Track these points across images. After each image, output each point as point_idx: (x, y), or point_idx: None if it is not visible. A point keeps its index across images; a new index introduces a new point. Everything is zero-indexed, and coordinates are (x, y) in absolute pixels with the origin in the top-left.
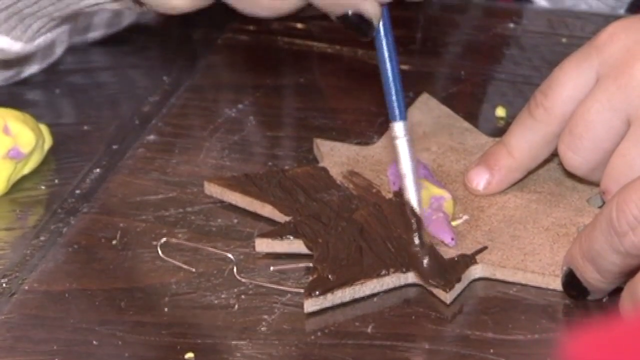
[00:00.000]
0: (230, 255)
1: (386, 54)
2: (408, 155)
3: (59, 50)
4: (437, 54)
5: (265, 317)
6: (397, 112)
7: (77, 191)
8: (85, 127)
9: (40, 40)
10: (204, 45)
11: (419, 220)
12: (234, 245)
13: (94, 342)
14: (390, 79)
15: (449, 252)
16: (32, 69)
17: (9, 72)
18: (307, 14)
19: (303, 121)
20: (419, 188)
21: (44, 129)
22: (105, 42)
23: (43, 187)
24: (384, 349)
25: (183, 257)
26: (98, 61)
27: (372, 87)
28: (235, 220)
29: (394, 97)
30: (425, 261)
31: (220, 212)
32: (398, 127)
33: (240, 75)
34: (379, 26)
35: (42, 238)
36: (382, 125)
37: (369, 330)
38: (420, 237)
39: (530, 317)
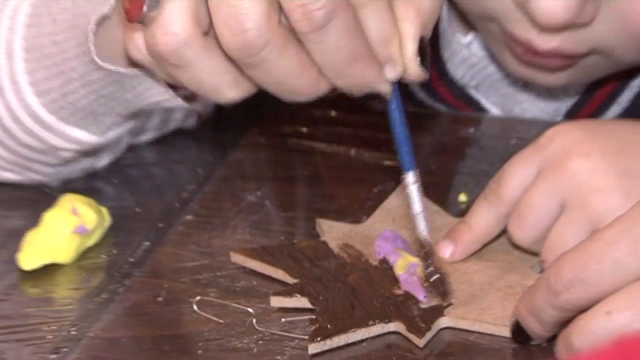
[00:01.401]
0: (250, 310)
1: (397, 118)
2: (418, 198)
3: (123, 145)
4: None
5: (278, 357)
6: (407, 163)
7: (131, 259)
8: (137, 209)
9: (111, 134)
10: (231, 145)
11: (430, 249)
12: (254, 301)
13: None
14: (402, 136)
15: (422, 307)
16: (104, 161)
17: (87, 160)
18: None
19: (309, 205)
20: (428, 223)
21: (104, 210)
22: (155, 143)
23: (104, 256)
24: None
25: (213, 311)
26: (149, 157)
27: (361, 179)
28: (255, 282)
29: (405, 151)
30: (434, 278)
31: (243, 276)
32: (409, 176)
33: (259, 168)
34: (391, 97)
35: (103, 296)
36: (370, 208)
37: None
38: (431, 263)
39: (486, 359)
